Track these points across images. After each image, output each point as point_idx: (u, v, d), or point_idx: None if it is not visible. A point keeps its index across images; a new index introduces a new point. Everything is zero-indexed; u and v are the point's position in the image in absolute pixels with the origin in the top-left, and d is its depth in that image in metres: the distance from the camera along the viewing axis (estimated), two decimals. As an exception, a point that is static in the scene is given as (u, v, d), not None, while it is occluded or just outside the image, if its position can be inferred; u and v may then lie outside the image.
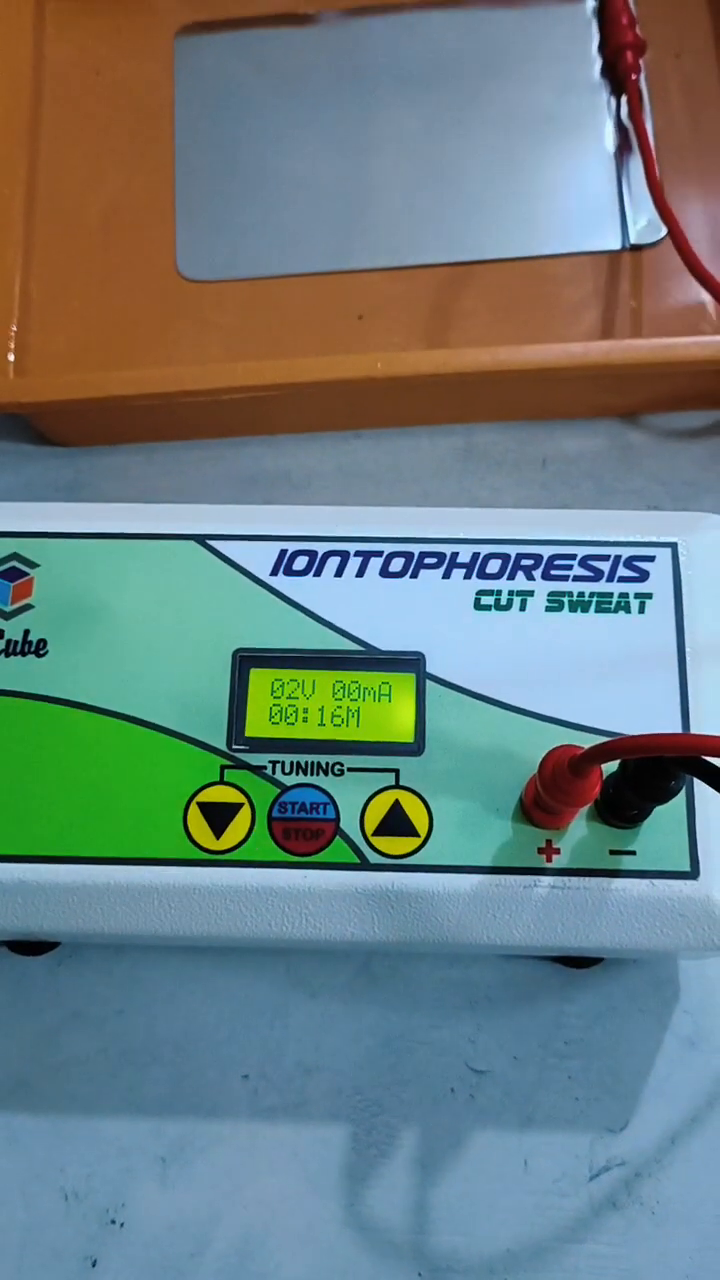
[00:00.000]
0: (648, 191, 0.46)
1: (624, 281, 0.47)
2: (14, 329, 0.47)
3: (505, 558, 0.35)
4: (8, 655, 0.34)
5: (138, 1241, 0.37)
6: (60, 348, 0.47)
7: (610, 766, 0.31)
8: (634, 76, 0.49)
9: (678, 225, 0.44)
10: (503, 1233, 0.37)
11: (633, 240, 0.47)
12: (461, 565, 0.35)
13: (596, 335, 0.46)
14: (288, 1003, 0.39)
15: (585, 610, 0.34)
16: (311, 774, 0.33)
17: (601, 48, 0.51)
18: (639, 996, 0.39)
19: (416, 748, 0.33)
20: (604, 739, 0.28)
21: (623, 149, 0.49)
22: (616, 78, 0.50)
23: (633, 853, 0.32)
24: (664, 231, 0.47)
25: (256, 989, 0.40)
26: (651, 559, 0.35)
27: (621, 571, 0.35)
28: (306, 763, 0.33)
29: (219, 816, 0.33)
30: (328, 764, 0.33)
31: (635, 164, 0.48)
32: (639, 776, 0.28)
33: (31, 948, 0.39)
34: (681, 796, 0.32)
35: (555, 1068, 0.38)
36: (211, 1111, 0.38)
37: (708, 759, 0.26)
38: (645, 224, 0.47)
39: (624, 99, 0.49)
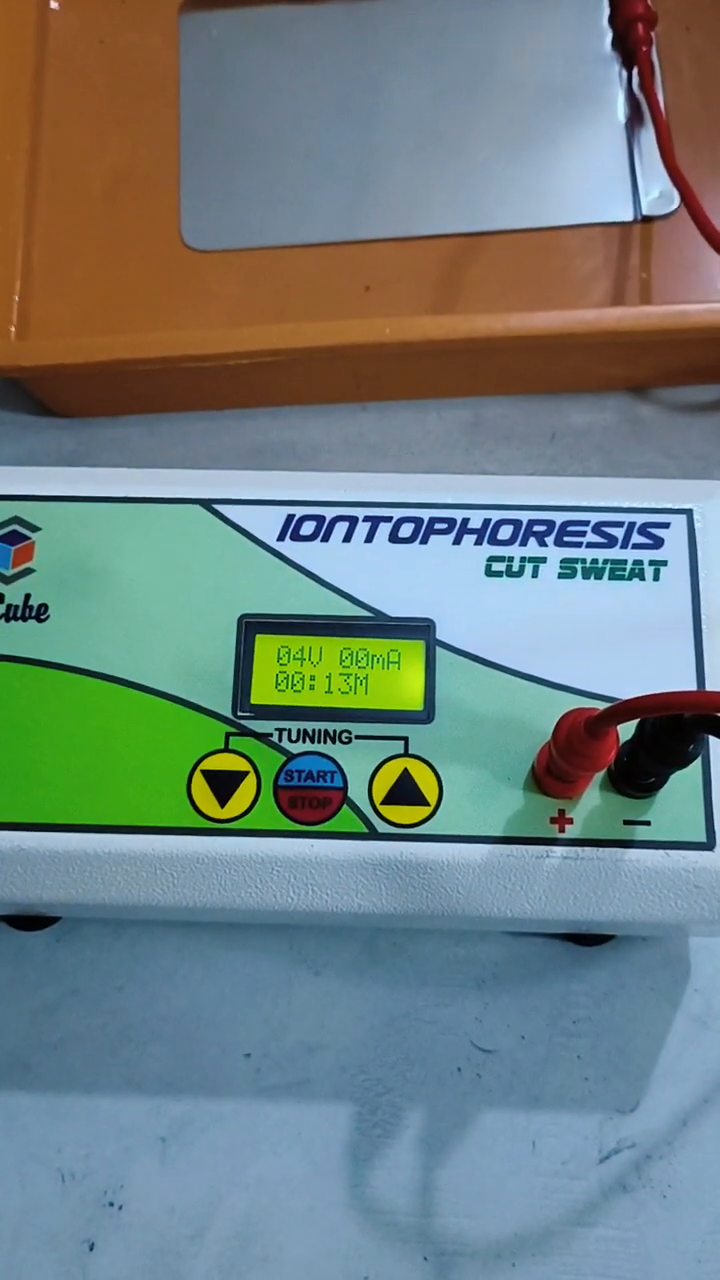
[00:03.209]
0: (660, 163, 0.45)
1: (634, 253, 0.46)
2: (16, 298, 0.46)
3: (517, 524, 0.34)
4: (8, 620, 0.33)
5: (136, 1224, 0.36)
6: (62, 316, 0.47)
7: (625, 734, 0.30)
8: (645, 48, 0.48)
9: (692, 193, 0.43)
10: (510, 1215, 0.36)
11: (644, 212, 0.47)
12: (472, 531, 0.34)
13: (607, 306, 0.45)
14: (291, 980, 0.39)
15: (599, 577, 0.34)
16: (318, 742, 0.32)
17: (612, 20, 0.50)
18: (649, 974, 0.38)
19: (426, 715, 0.32)
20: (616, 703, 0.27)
21: (634, 121, 0.48)
22: (627, 50, 0.49)
23: (647, 823, 0.31)
24: (675, 203, 0.46)
25: (259, 966, 0.39)
26: (666, 525, 0.34)
27: (636, 538, 0.34)
28: (313, 730, 0.32)
29: (224, 784, 0.32)
30: (335, 732, 0.32)
31: (646, 136, 0.48)
32: (656, 739, 0.28)
33: (30, 922, 0.39)
34: (697, 766, 0.31)
35: (563, 1047, 0.38)
36: (213, 1090, 0.38)
37: (730, 719, 0.25)
38: (657, 195, 0.47)
39: (635, 71, 0.49)
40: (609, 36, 0.50)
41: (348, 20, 0.51)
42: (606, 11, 0.50)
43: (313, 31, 0.51)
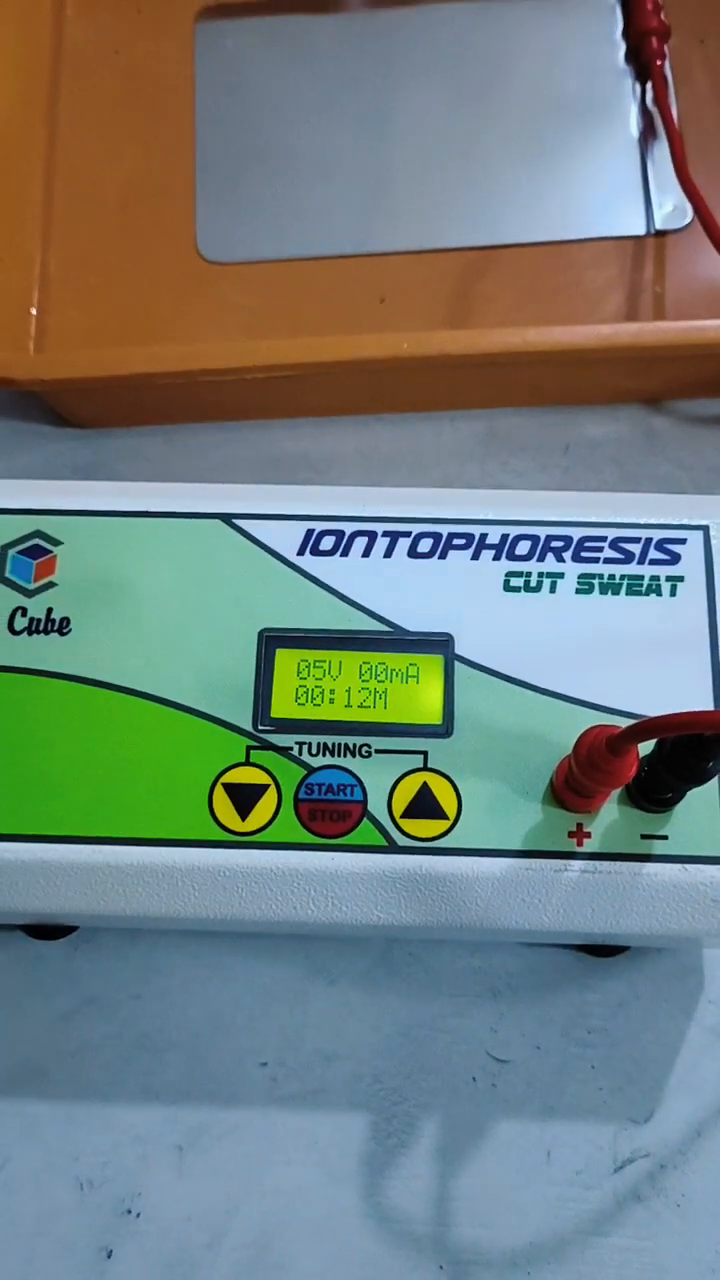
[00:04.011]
0: (673, 176, 0.46)
1: (648, 266, 0.47)
2: (34, 310, 0.46)
3: (535, 539, 0.35)
4: (30, 634, 0.34)
5: (153, 1232, 0.37)
6: (79, 326, 0.47)
7: (645, 749, 0.30)
8: (659, 62, 0.49)
9: (706, 207, 0.44)
10: (525, 1225, 0.36)
11: (658, 225, 0.47)
12: (491, 546, 0.35)
13: (620, 320, 0.46)
14: (307, 990, 0.39)
15: (616, 593, 0.34)
16: (338, 755, 0.33)
17: (626, 33, 0.50)
18: (663, 985, 0.39)
19: (445, 730, 0.33)
20: (638, 720, 0.27)
21: (647, 134, 0.49)
22: (641, 63, 0.50)
23: (665, 837, 0.32)
24: (689, 217, 0.46)
25: (275, 975, 0.39)
26: (683, 541, 0.35)
27: (652, 554, 0.34)
28: (333, 744, 0.33)
29: (245, 798, 0.32)
30: (355, 745, 0.33)
31: (660, 149, 0.48)
32: (676, 756, 0.28)
33: (48, 932, 0.39)
34: (716, 780, 0.32)
35: (578, 1057, 0.38)
36: (229, 1099, 0.38)
37: (751, 738, 0.25)
38: (670, 209, 0.47)
39: (649, 84, 0.49)
40: (623, 50, 0.50)
41: (363, 32, 0.51)
42: (620, 25, 0.51)
43: (328, 43, 0.51)
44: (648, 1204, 0.36)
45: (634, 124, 0.49)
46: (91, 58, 0.52)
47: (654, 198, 0.47)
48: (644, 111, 0.49)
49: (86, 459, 0.46)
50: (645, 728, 0.26)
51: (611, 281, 0.47)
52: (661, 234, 0.47)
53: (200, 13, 0.52)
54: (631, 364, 0.43)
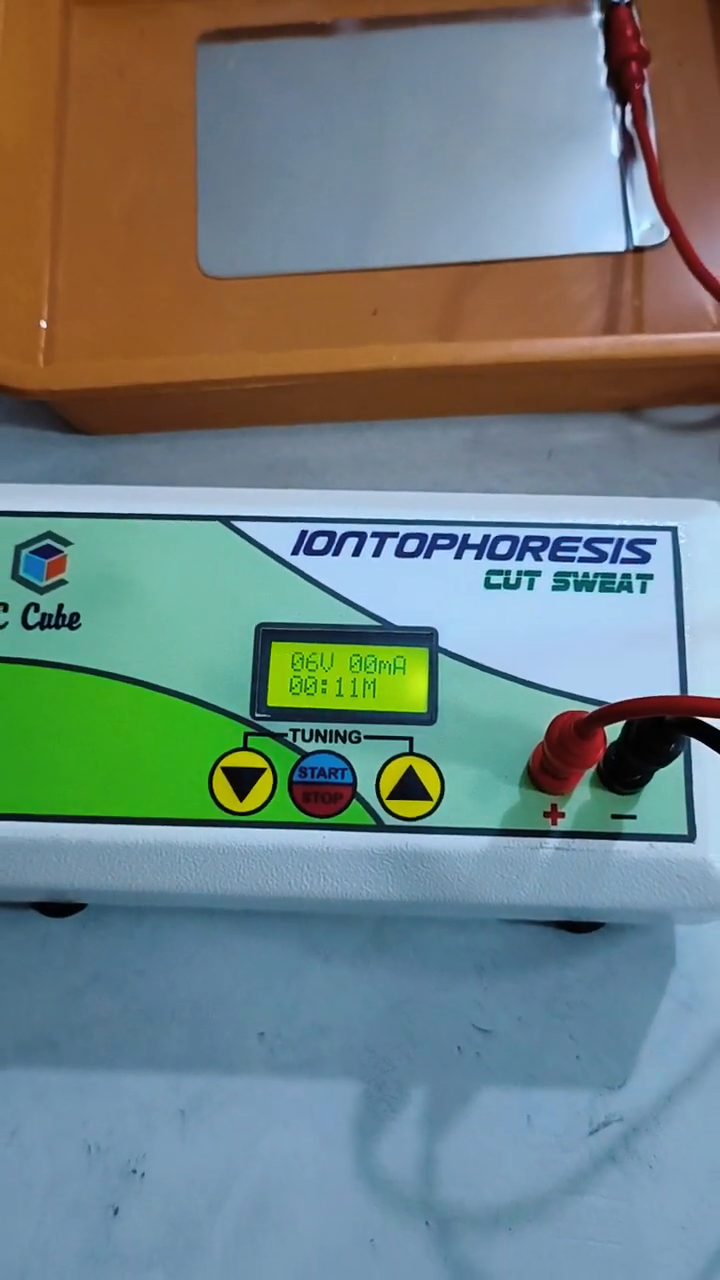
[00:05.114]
0: (651, 196, 0.48)
1: (627, 281, 0.49)
2: (44, 323, 0.49)
3: (514, 539, 0.37)
4: (43, 628, 0.36)
5: (158, 1192, 0.39)
6: (85, 338, 0.49)
7: (613, 734, 0.33)
8: (638, 86, 0.51)
9: (680, 228, 0.46)
10: (507, 1185, 0.39)
11: (636, 242, 0.49)
12: (473, 546, 0.37)
13: (600, 332, 0.48)
14: (302, 966, 0.41)
15: (590, 590, 0.36)
16: (330, 741, 0.35)
17: (607, 57, 0.53)
18: (637, 961, 0.41)
19: (429, 717, 0.35)
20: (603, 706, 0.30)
21: (627, 155, 0.51)
22: (622, 86, 0.52)
23: (633, 817, 0.34)
24: (666, 234, 0.49)
25: (272, 952, 0.41)
26: (653, 542, 0.37)
27: (624, 554, 0.37)
28: (325, 731, 0.35)
29: (243, 780, 0.34)
30: (345, 732, 0.35)
31: (639, 169, 0.50)
32: (640, 739, 0.30)
33: (58, 909, 0.41)
34: (680, 764, 0.34)
35: (557, 1029, 0.40)
36: (228, 1068, 0.40)
37: (705, 720, 0.28)
38: (648, 227, 0.49)
39: (629, 107, 0.51)
40: (604, 74, 0.52)
41: (358, 56, 0.54)
42: (602, 50, 0.53)
43: (324, 64, 0.54)
44: (621, 1165, 0.39)
45: (614, 145, 0.51)
46: (97, 80, 0.54)
47: (632, 216, 0.50)
48: (624, 133, 0.51)
49: (93, 464, 0.49)
50: (609, 712, 0.29)
51: (593, 295, 0.49)
52: (640, 250, 0.49)
53: (201, 36, 0.55)
54: (611, 374, 0.45)
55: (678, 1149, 0.39)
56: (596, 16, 0.53)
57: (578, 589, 0.36)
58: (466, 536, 0.37)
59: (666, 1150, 0.39)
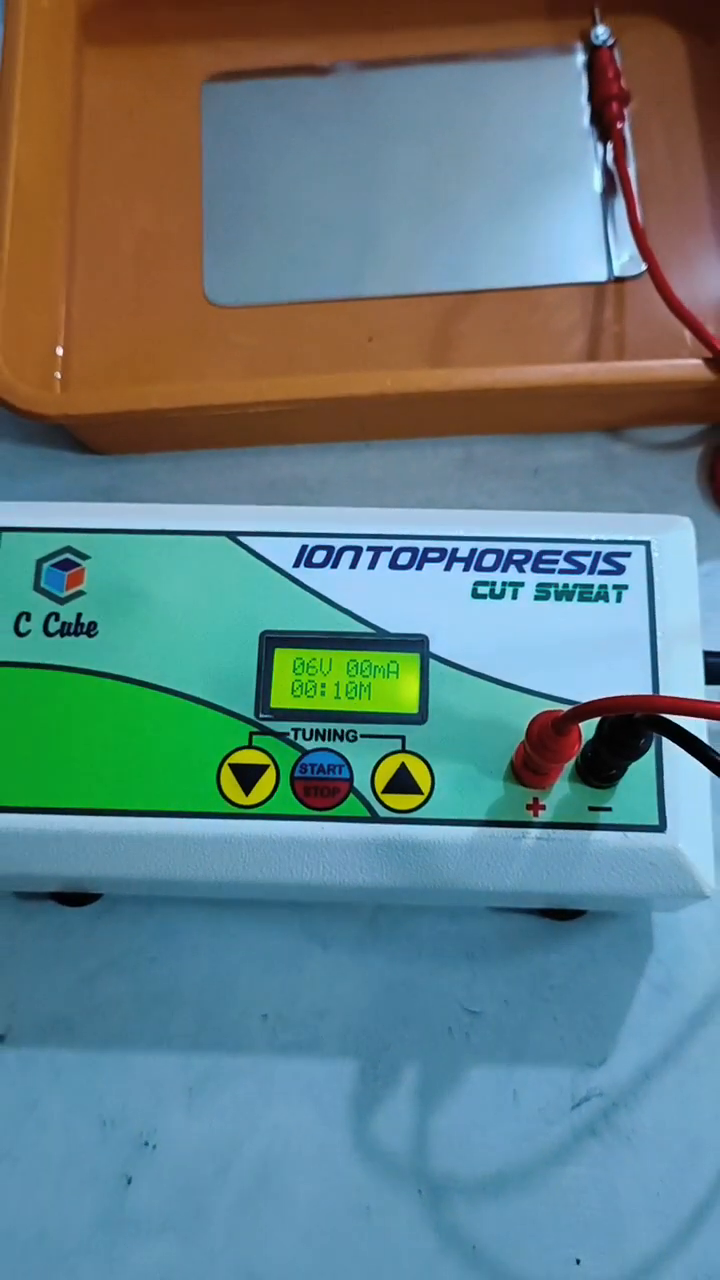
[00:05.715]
0: (630, 230, 0.51)
1: (608, 310, 0.52)
2: (60, 350, 0.51)
3: (499, 553, 0.40)
4: (63, 635, 0.39)
5: (168, 1162, 0.41)
6: (98, 364, 0.52)
7: (588, 733, 0.35)
8: (619, 125, 0.54)
9: (656, 262, 0.49)
10: (494, 1156, 0.41)
11: (616, 273, 0.52)
12: (461, 559, 0.40)
13: (583, 358, 0.51)
14: (303, 953, 0.44)
15: (569, 599, 0.39)
16: (329, 740, 0.38)
17: (590, 97, 0.56)
18: (617, 947, 0.43)
19: (420, 718, 0.38)
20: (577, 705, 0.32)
21: (608, 190, 0.54)
22: (604, 125, 0.55)
23: (609, 809, 0.37)
24: (643, 266, 0.52)
25: (275, 940, 0.44)
26: (628, 555, 0.40)
27: (601, 566, 0.40)
28: (324, 730, 0.38)
29: (248, 776, 0.37)
30: (343, 731, 0.38)
31: (619, 204, 0.53)
32: (613, 736, 0.33)
33: (74, 899, 0.44)
34: (652, 760, 0.37)
35: (542, 1010, 0.43)
36: (233, 1048, 0.43)
37: (671, 718, 0.30)
38: (628, 258, 0.52)
39: (610, 144, 0.54)
40: (588, 113, 0.56)
41: (355, 94, 0.57)
42: (586, 90, 0.56)
43: (323, 104, 0.56)
44: (601, 1138, 0.41)
45: (596, 181, 0.54)
46: (108, 119, 0.57)
47: (613, 248, 0.53)
48: (605, 170, 0.54)
49: (105, 482, 0.51)
50: (583, 710, 0.31)
51: (576, 323, 0.52)
52: (620, 280, 0.52)
53: (207, 77, 0.58)
54: (592, 398, 0.48)
55: (653, 1122, 0.41)
56: (581, 58, 0.56)
57: (558, 599, 0.39)
58: (455, 550, 0.40)
59: (644, 1124, 0.41)
